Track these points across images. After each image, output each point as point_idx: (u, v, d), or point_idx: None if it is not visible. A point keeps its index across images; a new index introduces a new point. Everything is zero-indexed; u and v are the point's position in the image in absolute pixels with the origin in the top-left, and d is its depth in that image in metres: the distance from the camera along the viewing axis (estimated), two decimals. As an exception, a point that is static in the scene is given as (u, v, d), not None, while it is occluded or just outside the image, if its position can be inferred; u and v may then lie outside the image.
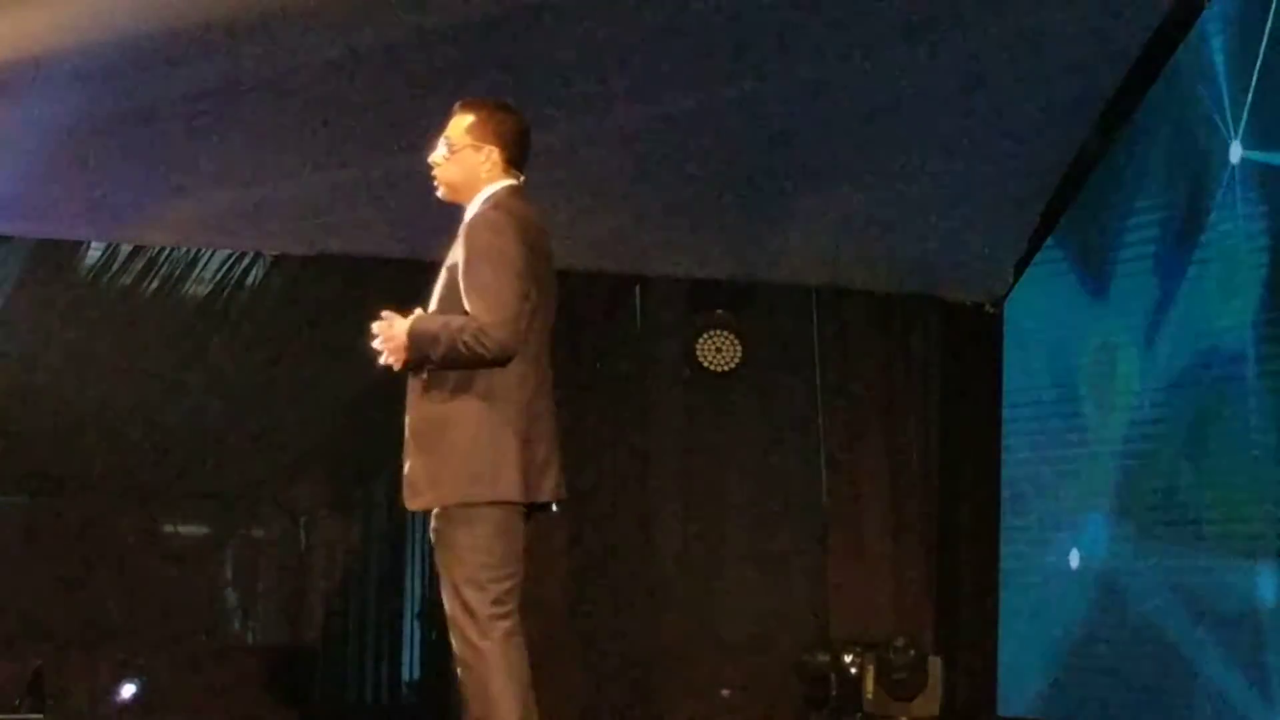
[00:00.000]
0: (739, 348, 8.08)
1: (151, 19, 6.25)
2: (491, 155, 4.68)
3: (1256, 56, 6.79)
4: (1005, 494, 8.01)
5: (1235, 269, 6.92)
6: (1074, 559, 7.60)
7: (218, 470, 7.67)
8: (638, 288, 8.00)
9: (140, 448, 7.54)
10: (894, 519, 8.25)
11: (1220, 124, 6.99)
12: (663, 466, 8.12)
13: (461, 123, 4.72)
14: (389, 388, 7.83)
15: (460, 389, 4.55)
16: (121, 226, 7.11)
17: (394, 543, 7.90)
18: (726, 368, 8.08)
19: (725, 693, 8.03)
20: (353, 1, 6.44)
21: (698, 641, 8.04)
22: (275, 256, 7.51)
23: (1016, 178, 7.70)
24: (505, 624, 4.51)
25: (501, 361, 4.49)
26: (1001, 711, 7.90)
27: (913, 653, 7.71)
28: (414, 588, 7.93)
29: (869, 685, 7.65)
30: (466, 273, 4.52)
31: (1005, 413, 8.05)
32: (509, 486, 4.52)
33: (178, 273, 7.46)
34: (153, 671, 7.45)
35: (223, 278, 7.53)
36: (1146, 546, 7.25)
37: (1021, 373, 8.02)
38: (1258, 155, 6.81)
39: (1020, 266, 8.03)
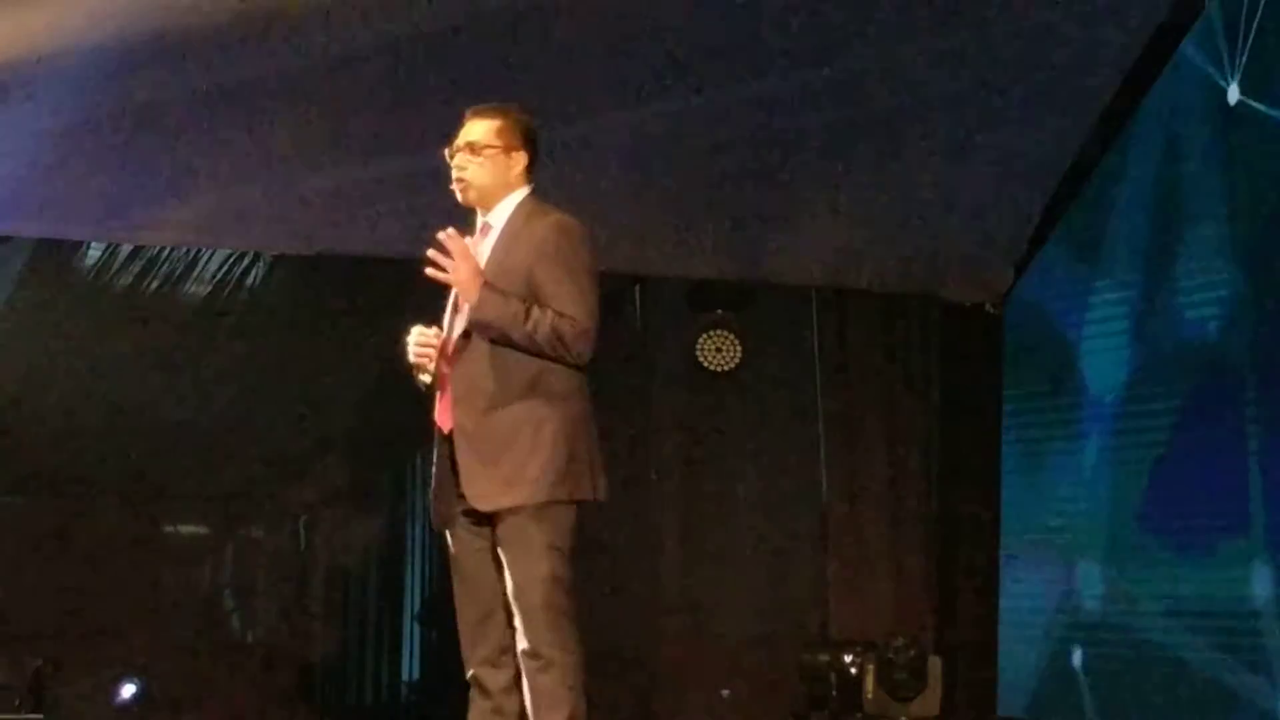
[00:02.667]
0: (739, 348, 8.08)
1: (151, 19, 6.25)
2: (520, 160, 4.72)
3: (1261, 53, 6.80)
4: (1005, 494, 8.01)
5: (1235, 268, 6.93)
6: (1073, 557, 7.60)
7: (218, 470, 7.67)
8: (638, 288, 8.01)
9: (140, 448, 7.54)
10: (894, 519, 8.25)
11: (1221, 124, 7.00)
12: (663, 466, 8.12)
13: (488, 127, 4.73)
14: (389, 388, 7.89)
15: (535, 389, 4.55)
16: (121, 226, 7.10)
17: (394, 543, 7.91)
18: (726, 368, 8.09)
19: (725, 693, 8.03)
20: (353, 2, 6.44)
21: (698, 641, 8.04)
22: (275, 256, 7.51)
23: (1016, 178, 7.70)
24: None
25: (576, 366, 4.59)
26: (1001, 711, 7.90)
27: (913, 653, 7.71)
28: (414, 588, 7.94)
29: (869, 685, 7.65)
30: (556, 276, 4.57)
31: (1005, 412, 8.05)
32: (589, 485, 4.60)
33: (178, 273, 7.46)
34: (153, 671, 7.45)
35: (223, 278, 7.53)
36: (1146, 545, 7.25)
37: (1021, 373, 8.02)
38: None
39: (1020, 266, 8.03)
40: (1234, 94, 6.86)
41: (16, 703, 7.00)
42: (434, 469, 4.65)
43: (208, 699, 7.48)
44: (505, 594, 4.57)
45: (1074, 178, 7.70)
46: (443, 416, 4.64)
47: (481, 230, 4.74)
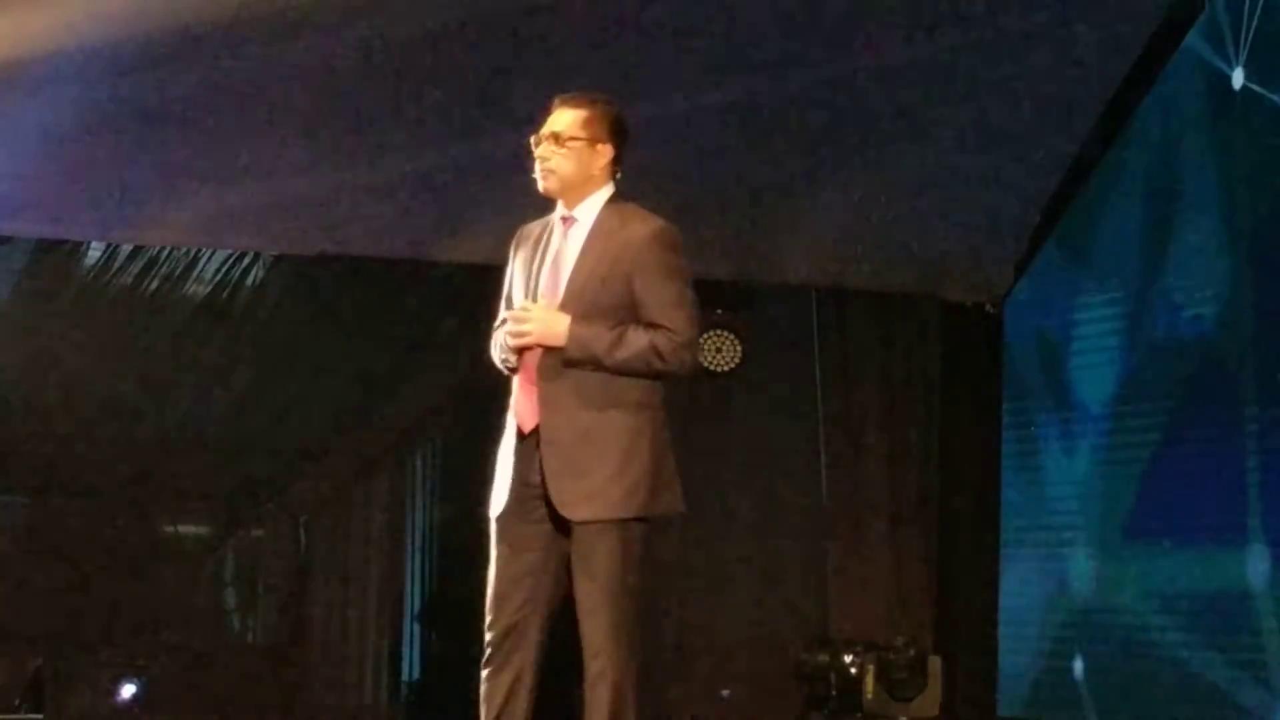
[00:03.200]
0: (739, 348, 8.08)
1: (151, 19, 6.26)
2: (606, 153, 4.60)
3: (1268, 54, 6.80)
4: (1005, 493, 8.01)
5: (1233, 266, 6.93)
6: (1073, 557, 7.60)
7: (218, 470, 7.67)
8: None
9: (140, 447, 7.54)
10: (894, 519, 8.25)
11: (1224, 112, 7.01)
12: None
13: (575, 117, 4.61)
14: (388, 387, 7.89)
15: (627, 399, 4.48)
16: (121, 226, 7.10)
17: (394, 543, 7.90)
18: (726, 368, 8.08)
19: (725, 693, 8.03)
20: (353, 2, 6.44)
21: (698, 641, 8.04)
22: (275, 256, 7.51)
23: (1016, 178, 7.70)
24: None
25: (683, 380, 4.59)
26: (1001, 711, 7.90)
27: (913, 653, 7.71)
28: (414, 588, 7.94)
29: (869, 685, 7.65)
30: (659, 285, 4.49)
31: (1005, 412, 8.05)
32: (671, 497, 4.55)
33: (178, 273, 7.46)
34: (153, 671, 7.45)
35: (223, 278, 7.53)
36: (1146, 544, 7.25)
37: (1021, 372, 8.02)
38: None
39: (1020, 266, 8.03)
40: (1239, 78, 6.85)
41: (16, 703, 7.00)
42: (502, 461, 4.52)
43: (208, 699, 7.47)
44: (545, 596, 4.49)
45: (1074, 178, 7.70)
46: (524, 414, 4.51)
47: (563, 222, 4.62)
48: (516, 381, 4.55)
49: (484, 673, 4.52)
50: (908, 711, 7.65)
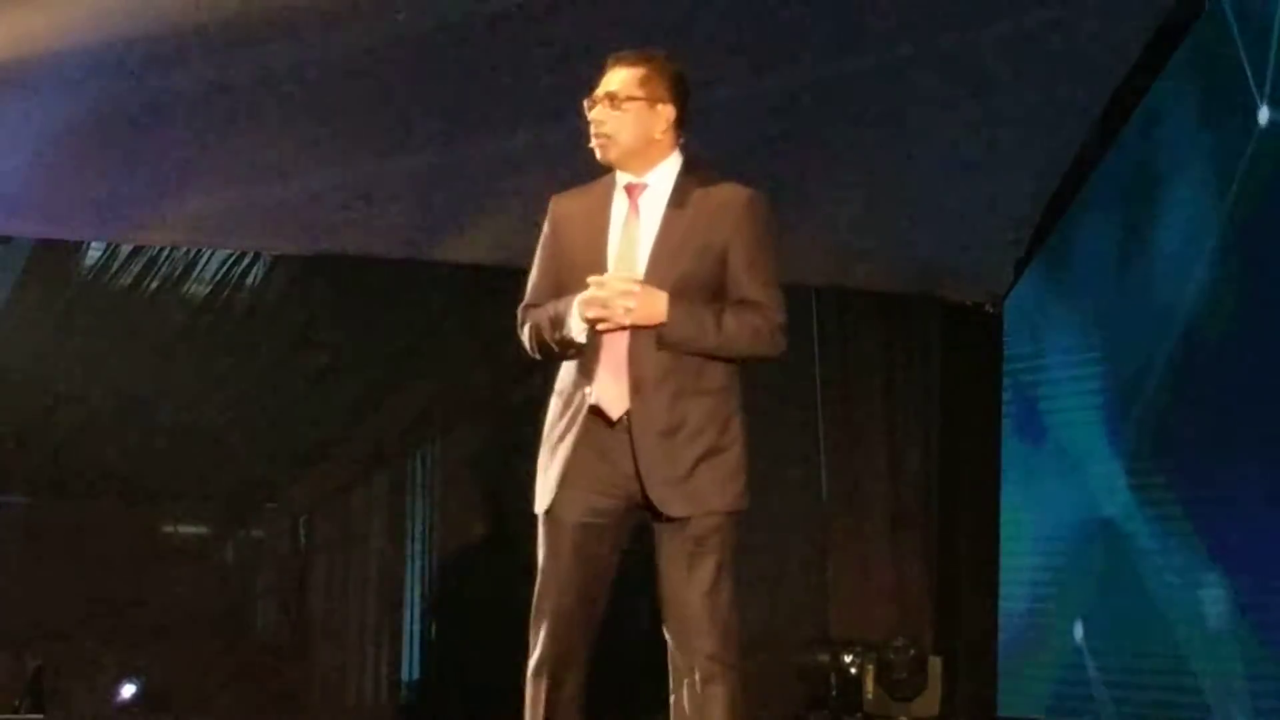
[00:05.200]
0: (739, 348, 8.07)
1: (151, 19, 6.25)
2: (668, 114, 4.29)
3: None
4: (1005, 493, 8.01)
5: (1231, 268, 6.93)
6: (1073, 557, 7.60)
7: (218, 470, 7.67)
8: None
9: (140, 447, 7.54)
10: (894, 519, 8.25)
11: (1228, 125, 7.01)
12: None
13: (631, 75, 4.28)
14: (388, 387, 7.88)
15: (720, 384, 4.23)
16: (121, 226, 7.10)
17: (394, 543, 7.90)
18: (727, 367, 8.07)
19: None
20: (353, 2, 6.44)
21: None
22: (275, 256, 7.51)
23: (1016, 178, 7.70)
24: None
25: (770, 362, 4.32)
26: (1001, 712, 7.90)
27: (913, 653, 7.71)
28: (414, 588, 7.93)
29: (869, 685, 7.65)
30: (757, 260, 4.20)
31: (1005, 412, 8.05)
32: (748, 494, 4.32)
33: (178, 273, 7.46)
34: (153, 671, 7.45)
35: (223, 278, 7.53)
36: (1147, 546, 7.25)
37: (1021, 373, 8.02)
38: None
39: (1020, 266, 8.03)
40: (1264, 115, 6.83)
41: (16, 703, 7.00)
42: (568, 450, 4.23)
43: (208, 699, 7.47)
44: (604, 597, 4.30)
45: (1074, 177, 7.70)
46: (610, 400, 4.18)
47: (628, 191, 4.28)
48: (575, 365, 4.24)
49: (537, 680, 4.38)
50: (908, 711, 7.65)
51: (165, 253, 7.39)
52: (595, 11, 6.66)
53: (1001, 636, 7.95)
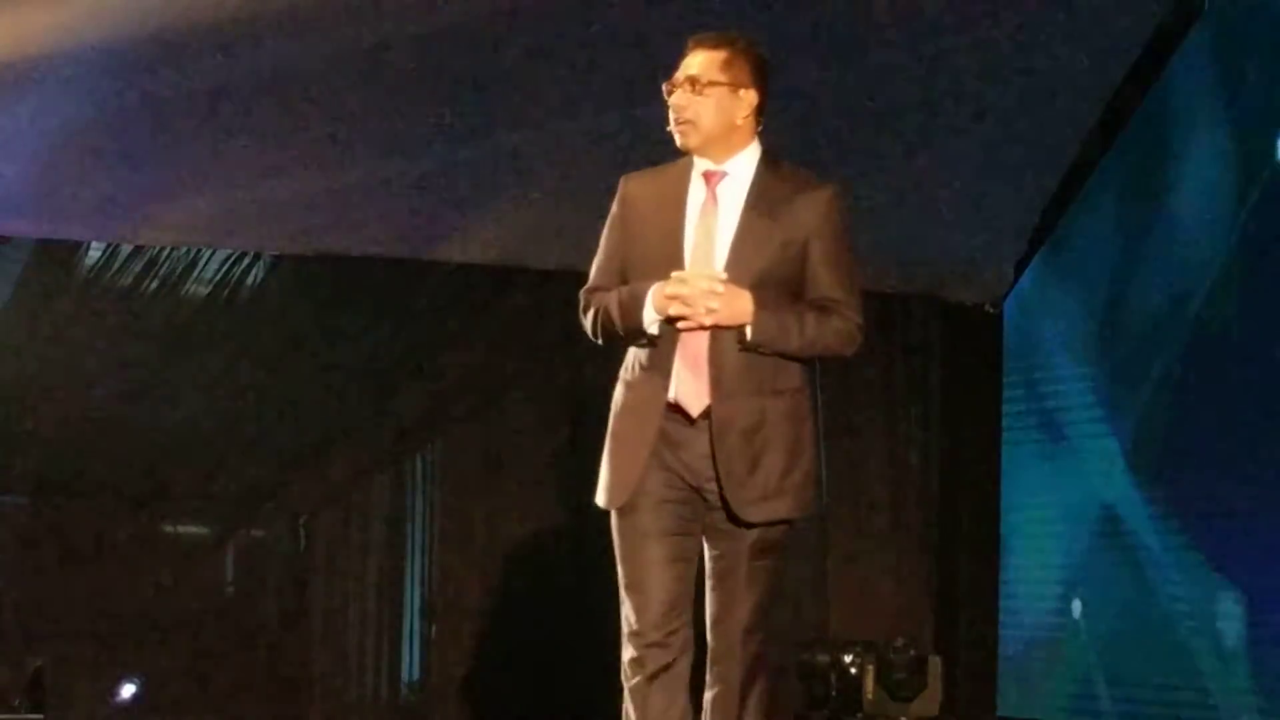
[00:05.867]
0: (739, 348, 8.07)
1: (151, 19, 6.25)
2: (750, 100, 4.15)
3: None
4: (1005, 493, 8.01)
5: (1232, 269, 6.93)
6: (1073, 556, 7.60)
7: (218, 470, 7.66)
8: (637, 288, 7.99)
9: (140, 447, 7.53)
10: (894, 519, 8.25)
11: (1227, 125, 7.00)
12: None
13: (713, 59, 4.14)
14: (388, 388, 7.88)
15: (795, 384, 4.20)
16: (121, 226, 7.10)
17: (394, 543, 7.90)
18: (727, 368, 8.07)
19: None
20: (353, 2, 6.44)
21: (698, 641, 8.02)
22: (275, 256, 7.51)
23: (1017, 177, 7.70)
24: None
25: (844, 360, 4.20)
26: (1001, 712, 7.90)
27: (913, 653, 7.71)
28: (414, 588, 7.93)
29: (869, 685, 7.64)
30: (838, 259, 4.13)
31: (1005, 412, 8.05)
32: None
33: (178, 273, 7.45)
34: (153, 671, 7.45)
35: (223, 278, 7.52)
36: (1148, 544, 7.25)
37: (1022, 372, 8.02)
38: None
39: (1020, 266, 8.03)
40: None
41: (16, 703, 7.00)
42: (625, 440, 4.15)
43: (208, 699, 7.47)
44: (685, 601, 4.19)
45: (1074, 177, 7.70)
46: (690, 397, 4.08)
47: (707, 178, 4.15)
48: (647, 356, 4.13)
49: (641, 682, 4.23)
50: (908, 711, 7.65)
51: (165, 253, 7.38)
52: (595, 13, 6.66)
53: (1001, 636, 7.96)
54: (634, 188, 4.25)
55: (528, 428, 7.91)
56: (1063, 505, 7.71)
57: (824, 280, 4.12)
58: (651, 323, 4.09)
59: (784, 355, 4.11)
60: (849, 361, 8.13)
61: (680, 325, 4.07)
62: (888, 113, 7.32)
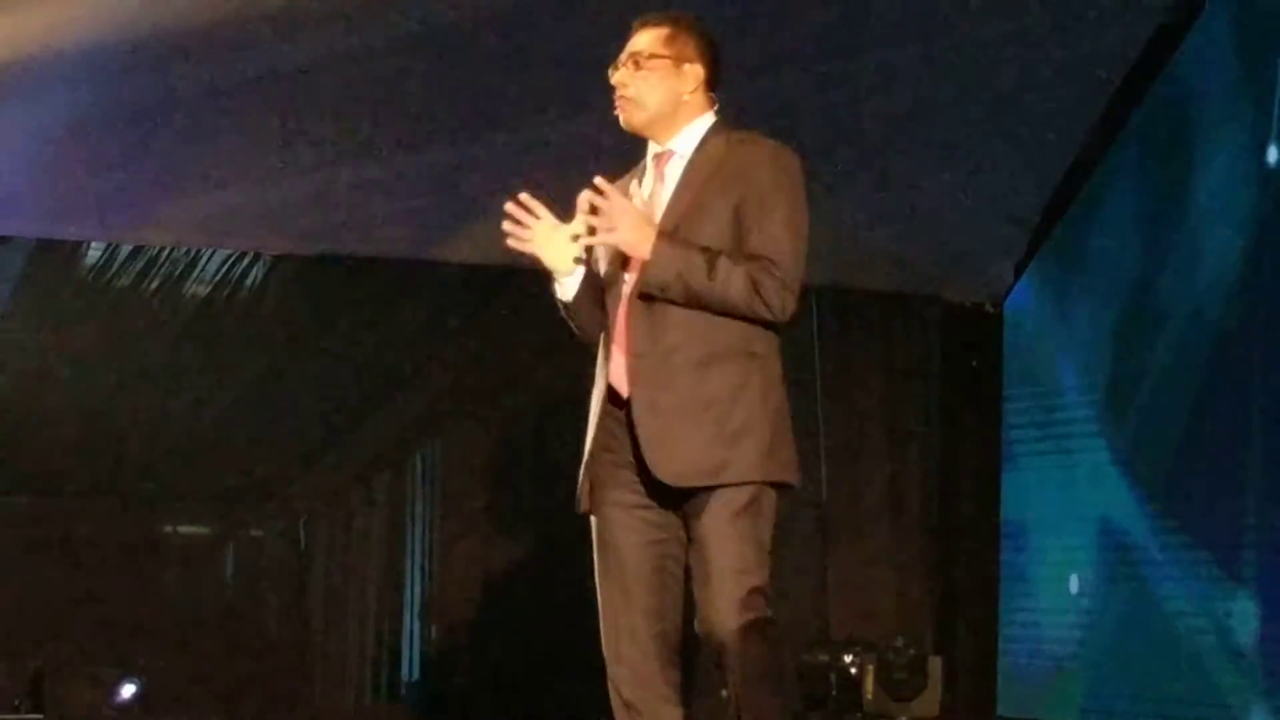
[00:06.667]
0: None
1: (151, 19, 6.25)
2: (696, 74, 4.00)
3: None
4: (1005, 493, 8.02)
5: (1235, 270, 6.93)
6: (1074, 585, 7.61)
7: (218, 470, 7.67)
8: (637, 288, 7.99)
9: (140, 447, 7.53)
10: (894, 519, 8.25)
11: (1230, 125, 7.00)
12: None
13: (655, 35, 4.01)
14: (388, 388, 7.88)
15: (733, 348, 3.86)
16: (121, 226, 7.10)
17: (394, 543, 7.90)
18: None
19: (724, 692, 8.02)
20: (353, 2, 6.44)
21: (698, 641, 8.03)
22: (275, 256, 7.51)
23: (1016, 178, 7.70)
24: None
25: (774, 327, 3.90)
26: (1001, 712, 7.90)
27: (913, 653, 7.71)
28: (414, 588, 7.93)
29: (869, 685, 7.64)
30: (768, 210, 3.86)
31: (1005, 412, 8.05)
32: (793, 466, 3.99)
33: (178, 273, 7.45)
34: (153, 671, 7.45)
35: (223, 278, 7.52)
36: (1148, 545, 7.25)
37: (1022, 372, 8.02)
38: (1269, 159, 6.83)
39: (1020, 266, 8.03)
40: (1273, 154, 6.83)
41: (16, 703, 7.00)
42: (590, 441, 4.00)
43: (208, 699, 7.47)
44: (668, 599, 3.95)
45: (1074, 177, 7.70)
46: (618, 378, 3.92)
47: (655, 161, 4.04)
48: (602, 343, 3.98)
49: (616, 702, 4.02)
50: (908, 711, 7.65)
51: (165, 253, 7.38)
52: (595, 12, 6.65)
53: (1002, 636, 7.96)
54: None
55: (528, 428, 7.91)
56: (1063, 505, 7.71)
57: (751, 232, 3.86)
58: (562, 287, 3.98)
59: (693, 303, 3.80)
60: (849, 361, 8.30)
61: (587, 241, 3.90)
62: (887, 112, 7.31)
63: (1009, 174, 7.65)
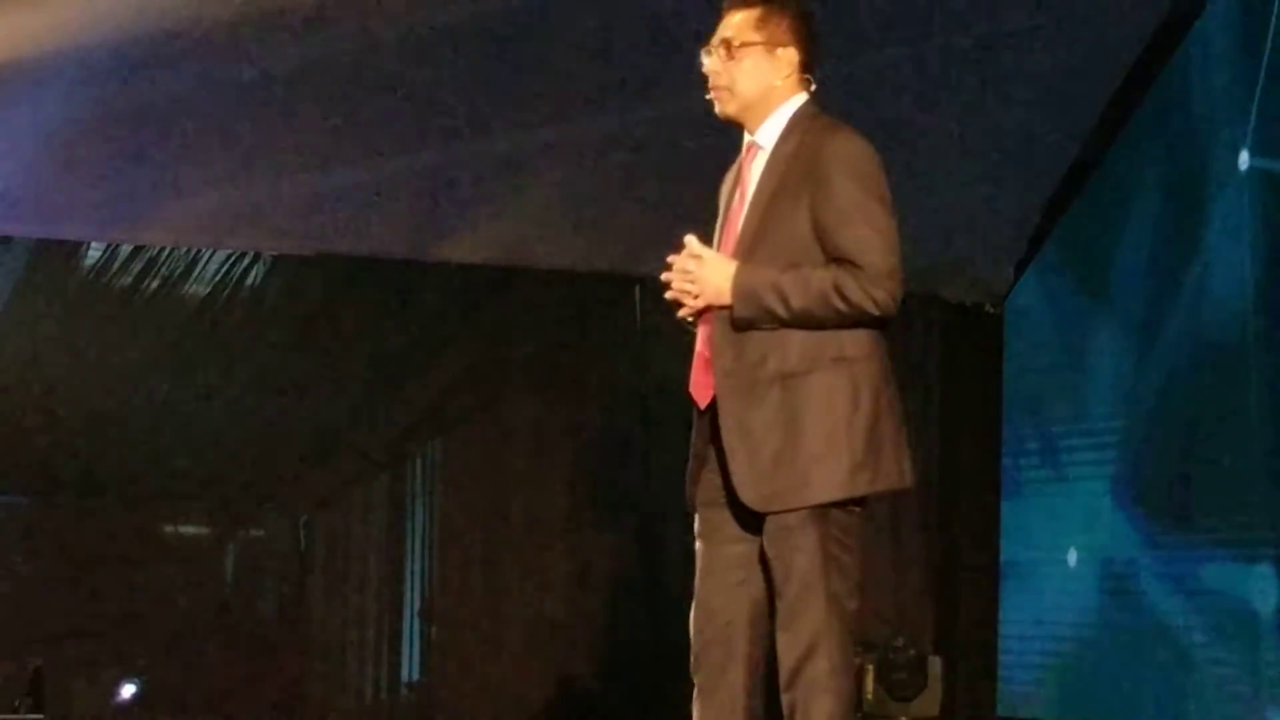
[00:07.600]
0: (739, 348, 8.06)
1: (151, 19, 6.25)
2: (790, 59, 3.87)
3: (1261, 59, 6.78)
4: (1005, 494, 8.01)
5: (1234, 270, 6.92)
6: (1072, 558, 7.60)
7: (218, 470, 7.67)
8: (638, 288, 7.99)
9: (140, 447, 7.54)
10: (894, 519, 8.25)
11: (1224, 128, 6.99)
12: (664, 466, 8.11)
13: (746, 18, 3.85)
14: (389, 388, 7.88)
15: (830, 354, 3.69)
16: (121, 226, 7.10)
17: (394, 543, 7.90)
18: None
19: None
20: (353, 3, 6.44)
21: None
22: (275, 256, 7.51)
23: (1016, 178, 7.69)
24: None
25: (885, 322, 3.71)
26: (1001, 711, 7.90)
27: (913, 653, 7.70)
28: (414, 588, 7.94)
29: (869, 685, 7.64)
30: (845, 205, 3.69)
31: (1005, 412, 8.05)
32: (893, 469, 3.77)
33: (178, 273, 7.46)
34: (153, 671, 7.45)
35: (223, 278, 7.53)
36: (1148, 545, 7.25)
37: (1022, 372, 8.02)
38: (1262, 162, 6.81)
39: (1020, 266, 8.03)
40: (1244, 160, 6.83)
41: (16, 703, 7.00)
42: (692, 445, 3.89)
43: (208, 699, 7.47)
44: (749, 611, 3.84)
45: (1074, 177, 7.70)
46: (700, 387, 3.81)
47: (747, 151, 3.88)
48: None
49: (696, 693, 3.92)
50: (908, 711, 7.64)
51: (165, 253, 7.39)
52: (594, 13, 6.66)
53: (1001, 636, 7.95)
54: (725, 181, 4.03)
55: (528, 427, 7.91)
56: (1063, 504, 7.70)
57: (831, 232, 3.69)
58: (684, 320, 3.87)
59: (788, 322, 3.66)
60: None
61: (682, 313, 3.82)
62: (886, 113, 7.31)
63: (1009, 174, 7.65)
